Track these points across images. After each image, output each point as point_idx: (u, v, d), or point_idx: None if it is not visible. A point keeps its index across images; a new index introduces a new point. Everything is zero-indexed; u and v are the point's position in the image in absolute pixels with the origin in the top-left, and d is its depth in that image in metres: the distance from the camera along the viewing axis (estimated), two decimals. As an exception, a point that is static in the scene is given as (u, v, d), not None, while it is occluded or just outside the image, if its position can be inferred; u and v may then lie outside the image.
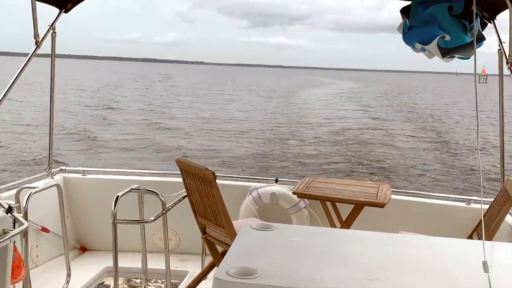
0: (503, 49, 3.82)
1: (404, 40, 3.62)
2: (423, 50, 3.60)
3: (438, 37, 3.46)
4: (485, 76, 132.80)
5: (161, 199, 3.77)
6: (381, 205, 3.95)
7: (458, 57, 3.69)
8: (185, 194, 3.90)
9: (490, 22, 3.87)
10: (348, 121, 27.15)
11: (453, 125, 27.28)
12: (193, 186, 3.74)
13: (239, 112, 30.32)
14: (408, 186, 11.97)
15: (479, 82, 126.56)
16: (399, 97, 55.75)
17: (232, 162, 14.36)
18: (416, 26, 3.51)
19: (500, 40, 3.88)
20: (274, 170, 13.36)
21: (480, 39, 3.61)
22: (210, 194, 3.53)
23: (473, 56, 3.54)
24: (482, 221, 3.39)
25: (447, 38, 3.47)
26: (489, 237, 3.54)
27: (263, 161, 14.68)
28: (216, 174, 3.46)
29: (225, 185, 4.48)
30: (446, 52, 3.60)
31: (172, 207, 3.93)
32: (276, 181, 4.77)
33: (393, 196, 4.24)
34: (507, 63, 3.78)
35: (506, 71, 3.85)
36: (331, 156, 16.09)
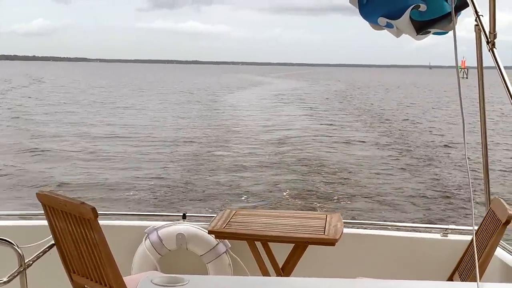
0: (481, 24, 3.96)
1: (362, 14, 3.67)
2: (388, 26, 3.65)
3: (411, 7, 3.54)
4: (465, 70, 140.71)
5: (17, 251, 3.69)
6: (330, 243, 3.98)
7: (433, 33, 3.80)
8: (53, 242, 3.83)
9: None
10: (289, 131, 27.89)
11: (422, 129, 29.16)
12: (63, 229, 3.65)
13: (139, 122, 30.38)
14: (364, 215, 12.27)
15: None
16: (360, 98, 57.82)
17: (126, 194, 14.24)
18: None
19: (477, 13, 4.02)
20: (184, 202, 13.36)
21: (462, 5, 3.73)
22: (89, 239, 3.47)
23: (452, 31, 3.66)
24: (475, 255, 3.47)
25: (423, 7, 3.56)
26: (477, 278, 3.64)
27: (170, 190, 14.65)
28: (98, 211, 3.41)
29: (111, 226, 4.44)
30: (422, 26, 3.68)
31: (33, 261, 3.85)
32: (184, 217, 4.74)
33: (346, 230, 4.29)
34: (487, 42, 3.93)
35: (486, 53, 4.00)
36: (266, 177, 16.31)
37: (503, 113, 37.38)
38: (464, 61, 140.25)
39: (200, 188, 14.81)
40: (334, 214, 4.50)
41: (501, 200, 3.99)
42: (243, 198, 13.89)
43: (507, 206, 3.86)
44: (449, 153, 20.50)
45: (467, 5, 3.71)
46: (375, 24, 3.72)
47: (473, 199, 4.36)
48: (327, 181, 15.83)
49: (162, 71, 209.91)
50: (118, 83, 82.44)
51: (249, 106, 44.02)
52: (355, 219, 10.59)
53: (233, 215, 4.43)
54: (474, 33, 4.10)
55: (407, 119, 34.42)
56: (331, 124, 31.81)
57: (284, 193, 14.34)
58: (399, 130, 29.08)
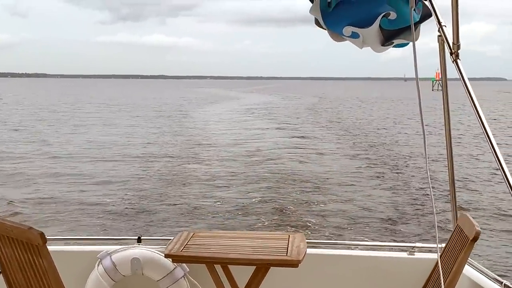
0: (445, 35, 4.00)
1: (326, 23, 3.60)
2: (353, 36, 3.59)
3: (381, 15, 3.52)
4: (439, 81, 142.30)
5: None
6: (293, 264, 3.95)
7: (395, 45, 3.79)
8: (-2, 270, 3.75)
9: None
10: (259, 144, 28.24)
11: (393, 141, 29.88)
12: (10, 256, 3.60)
13: (104, 139, 30.19)
14: (330, 232, 12.23)
15: (432, 90, 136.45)
16: (331, 111, 58.33)
17: (79, 216, 14.02)
18: (348, 2, 3.52)
19: (440, 23, 4.06)
20: (143, 224, 13.18)
21: (427, 15, 3.75)
22: (37, 266, 3.41)
23: (416, 41, 3.67)
24: (441, 276, 3.46)
25: (392, 15, 3.55)
26: None
27: (129, 211, 14.49)
28: (47, 236, 3.39)
29: (61, 252, 4.40)
30: (390, 35, 3.66)
31: None
32: (139, 240, 4.69)
33: (309, 250, 4.27)
34: (450, 53, 3.96)
35: (450, 64, 4.02)
36: (233, 194, 16.30)
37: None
38: (438, 73, 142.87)
39: (161, 208, 14.66)
40: (297, 234, 4.47)
41: (468, 216, 4.00)
42: (208, 217, 13.80)
43: (474, 222, 3.88)
44: (421, 167, 20.66)
45: (430, 15, 3.73)
46: (338, 34, 3.68)
47: (437, 216, 4.36)
48: (295, 197, 15.83)
49: (126, 86, 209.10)
50: (79, 100, 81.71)
51: (218, 121, 44.31)
52: (319, 239, 10.60)
53: (191, 237, 4.37)
54: (436, 40, 4.13)
55: (377, 131, 35.18)
56: (302, 137, 32.49)
57: (251, 210, 14.33)
58: (369, 142, 29.64)
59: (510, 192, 3.37)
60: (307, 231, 12.05)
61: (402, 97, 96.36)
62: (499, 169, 3.49)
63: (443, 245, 4.28)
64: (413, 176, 19.24)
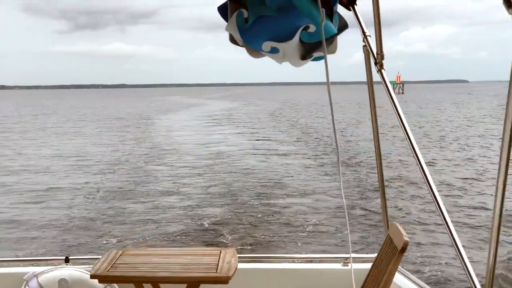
0: (369, 45, 4.03)
1: (244, 40, 3.56)
2: (273, 51, 3.56)
3: (301, 28, 3.49)
4: (401, 84, 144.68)
5: None
6: (223, 281, 3.93)
7: (313, 59, 3.79)
8: None
9: (350, 9, 4.08)
10: (221, 151, 28.27)
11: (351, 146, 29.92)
12: None
13: (62, 151, 29.77)
14: (261, 247, 11.92)
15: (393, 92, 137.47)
16: (292, 115, 58.61)
17: (5, 235, 13.42)
18: (267, 17, 3.49)
19: (364, 33, 4.08)
20: (75, 241, 12.72)
21: (344, 27, 3.75)
22: None
23: (324, 53, 3.67)
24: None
25: (312, 28, 3.53)
26: None
27: (63, 226, 14.04)
28: None
29: None
30: (310, 48, 3.65)
31: None
32: (67, 260, 4.61)
33: (241, 265, 4.24)
34: (375, 63, 3.99)
35: (375, 74, 4.05)
36: (177, 208, 16.02)
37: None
38: (399, 76, 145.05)
39: (97, 224, 14.19)
40: (229, 249, 4.45)
41: (398, 226, 4.01)
42: (147, 232, 13.42)
43: (403, 232, 3.88)
44: (370, 172, 20.65)
45: (347, 27, 3.75)
46: (255, 50, 3.66)
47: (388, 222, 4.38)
48: (246, 208, 15.59)
49: (87, 96, 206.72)
50: (38, 111, 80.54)
51: (181, 128, 44.31)
52: (252, 253, 10.48)
53: (120, 256, 4.30)
54: (363, 54, 4.15)
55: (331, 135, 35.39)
56: (268, 140, 33.28)
57: (195, 223, 14.05)
58: (325, 144, 30.34)
59: (430, 192, 3.41)
60: (245, 244, 11.84)
61: (360, 101, 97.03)
62: (422, 176, 3.52)
63: (376, 255, 4.28)
64: (358, 182, 19.05)
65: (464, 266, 2.98)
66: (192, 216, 14.70)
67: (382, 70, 3.94)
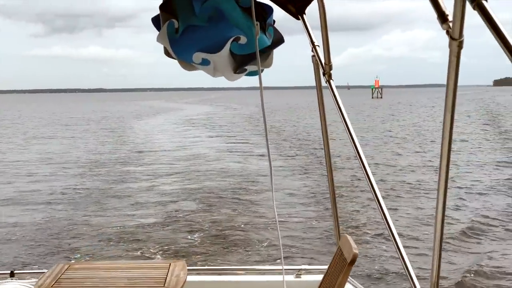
0: (318, 55, 4.01)
1: (174, 51, 3.48)
2: (204, 63, 3.50)
3: (231, 39, 3.44)
4: (379, 89, 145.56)
5: None
6: (170, 295, 3.88)
7: (247, 73, 3.75)
8: None
9: (298, 19, 4.06)
10: (196, 156, 28.17)
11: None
12: None
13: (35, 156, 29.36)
14: (215, 258, 11.67)
15: (372, 97, 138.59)
16: (268, 120, 58.39)
17: None
18: (196, 27, 3.42)
19: (313, 43, 4.07)
20: (25, 254, 12.25)
21: (279, 41, 3.72)
22: None
23: (257, 67, 3.64)
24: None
25: (243, 39, 3.48)
26: None
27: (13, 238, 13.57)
28: None
29: None
30: (242, 61, 3.60)
31: None
32: (12, 274, 4.55)
33: (190, 278, 4.21)
34: (323, 74, 3.97)
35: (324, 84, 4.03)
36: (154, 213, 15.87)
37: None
38: (378, 81, 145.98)
39: (53, 235, 13.71)
40: (178, 262, 4.40)
41: (348, 237, 3.99)
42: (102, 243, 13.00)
43: (353, 244, 3.86)
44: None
45: (283, 41, 3.72)
46: (187, 63, 3.60)
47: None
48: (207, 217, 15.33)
49: (64, 100, 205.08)
50: (12, 116, 79.82)
51: (158, 132, 44.25)
52: (205, 265, 10.35)
53: (66, 270, 4.23)
54: (310, 60, 4.13)
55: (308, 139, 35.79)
56: (245, 142, 33.67)
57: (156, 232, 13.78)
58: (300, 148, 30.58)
59: (372, 193, 3.40)
60: (197, 256, 11.65)
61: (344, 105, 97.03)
62: (370, 188, 3.51)
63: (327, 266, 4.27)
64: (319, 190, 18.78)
65: (409, 277, 2.99)
66: (146, 226, 14.33)
67: (331, 81, 3.93)
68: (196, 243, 12.78)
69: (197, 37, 3.42)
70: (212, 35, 3.41)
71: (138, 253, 12.13)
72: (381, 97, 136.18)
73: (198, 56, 3.45)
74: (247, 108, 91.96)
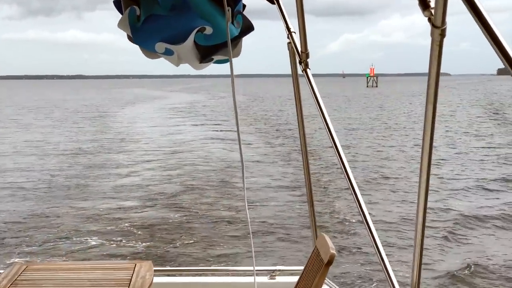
0: (294, 42, 3.96)
1: (135, 40, 3.45)
2: (167, 53, 3.46)
3: (196, 30, 3.41)
4: (374, 77, 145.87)
5: None
6: (135, 298, 3.83)
7: (215, 61, 3.71)
8: None
9: (273, 3, 4.00)
10: (181, 151, 27.95)
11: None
12: None
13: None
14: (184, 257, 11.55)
15: (367, 86, 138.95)
16: (256, 108, 58.93)
17: None
18: (158, 16, 3.38)
19: (289, 29, 4.01)
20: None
21: (248, 29, 3.66)
22: None
23: (229, 58, 3.60)
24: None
25: (208, 30, 3.45)
26: None
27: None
28: None
29: None
30: (207, 52, 3.57)
31: None
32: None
33: (157, 279, 4.16)
34: (299, 62, 3.92)
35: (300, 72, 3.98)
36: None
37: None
38: (373, 69, 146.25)
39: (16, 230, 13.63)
40: (145, 262, 4.34)
41: (326, 237, 3.94)
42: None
43: (330, 244, 3.81)
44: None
45: (252, 29, 3.66)
46: (150, 52, 3.55)
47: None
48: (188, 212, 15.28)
49: (41, 87, 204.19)
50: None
51: (142, 121, 44.58)
52: (173, 266, 10.26)
53: (24, 270, 4.16)
54: (286, 47, 4.08)
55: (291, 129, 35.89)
56: (231, 131, 33.77)
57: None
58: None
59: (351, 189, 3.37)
60: (164, 255, 11.51)
61: (337, 94, 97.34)
62: (348, 184, 3.47)
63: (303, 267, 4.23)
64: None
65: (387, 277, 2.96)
66: (114, 223, 14.14)
67: (308, 70, 3.87)
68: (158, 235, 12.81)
69: (159, 27, 3.38)
70: (175, 26, 3.37)
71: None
72: (376, 86, 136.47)
73: (160, 46, 3.41)
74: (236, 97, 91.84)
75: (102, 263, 4.49)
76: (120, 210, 15.22)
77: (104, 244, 12.50)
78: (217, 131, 35.25)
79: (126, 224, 13.87)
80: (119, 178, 19.91)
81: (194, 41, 3.41)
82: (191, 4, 3.39)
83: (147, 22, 3.36)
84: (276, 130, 36.22)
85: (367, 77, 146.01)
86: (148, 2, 3.38)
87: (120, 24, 3.42)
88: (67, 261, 9.85)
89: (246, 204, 3.71)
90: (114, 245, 12.40)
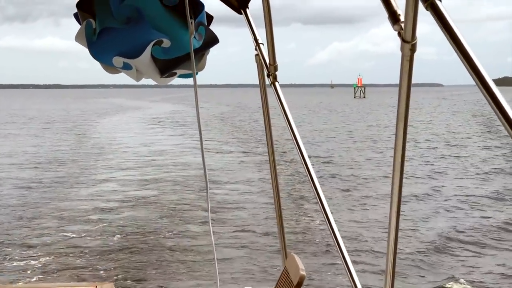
0: (262, 54, 3.95)
1: (92, 54, 3.42)
2: (126, 67, 3.45)
3: (152, 43, 3.37)
4: (362, 88, 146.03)
5: None
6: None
7: (180, 75, 3.69)
8: None
9: (240, 13, 3.99)
10: (160, 160, 27.98)
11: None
12: None
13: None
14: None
15: (354, 97, 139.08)
16: (234, 119, 59.63)
17: None
18: (113, 29, 3.36)
19: (257, 41, 4.00)
20: None
21: (212, 41, 3.64)
22: None
23: (192, 71, 3.58)
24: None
25: (166, 43, 3.42)
26: None
27: None
28: None
29: None
30: (166, 66, 3.54)
31: None
32: None
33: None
34: (267, 75, 3.91)
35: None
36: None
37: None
38: (361, 79, 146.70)
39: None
40: (106, 283, 4.33)
41: (295, 257, 3.93)
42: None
43: (300, 264, 3.81)
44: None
45: (217, 41, 3.65)
46: (109, 66, 3.50)
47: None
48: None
49: (16, 96, 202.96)
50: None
51: (121, 132, 44.55)
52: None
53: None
54: (256, 63, 4.06)
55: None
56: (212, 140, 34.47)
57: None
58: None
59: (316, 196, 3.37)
60: (128, 276, 11.21)
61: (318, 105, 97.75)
62: (314, 192, 3.47)
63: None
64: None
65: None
66: (74, 245, 13.66)
67: (276, 83, 3.86)
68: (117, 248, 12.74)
69: (114, 40, 3.36)
70: (131, 39, 3.35)
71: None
72: (364, 97, 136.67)
73: (118, 60, 3.39)
74: (219, 107, 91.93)
75: (61, 285, 4.44)
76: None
77: (60, 263, 12.17)
78: (195, 141, 35.00)
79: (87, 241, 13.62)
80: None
81: (152, 54, 3.38)
82: (147, 16, 3.36)
83: (102, 36, 3.34)
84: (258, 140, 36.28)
85: (355, 88, 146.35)
86: (103, 14, 3.36)
87: (77, 38, 3.40)
88: (25, 284, 9.60)
89: (210, 223, 3.69)
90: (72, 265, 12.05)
